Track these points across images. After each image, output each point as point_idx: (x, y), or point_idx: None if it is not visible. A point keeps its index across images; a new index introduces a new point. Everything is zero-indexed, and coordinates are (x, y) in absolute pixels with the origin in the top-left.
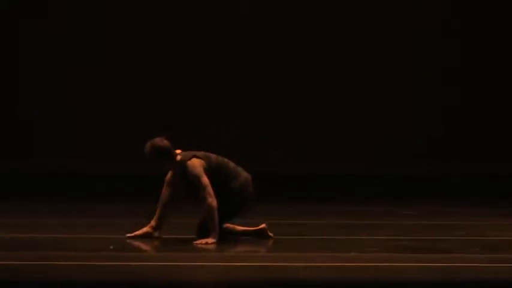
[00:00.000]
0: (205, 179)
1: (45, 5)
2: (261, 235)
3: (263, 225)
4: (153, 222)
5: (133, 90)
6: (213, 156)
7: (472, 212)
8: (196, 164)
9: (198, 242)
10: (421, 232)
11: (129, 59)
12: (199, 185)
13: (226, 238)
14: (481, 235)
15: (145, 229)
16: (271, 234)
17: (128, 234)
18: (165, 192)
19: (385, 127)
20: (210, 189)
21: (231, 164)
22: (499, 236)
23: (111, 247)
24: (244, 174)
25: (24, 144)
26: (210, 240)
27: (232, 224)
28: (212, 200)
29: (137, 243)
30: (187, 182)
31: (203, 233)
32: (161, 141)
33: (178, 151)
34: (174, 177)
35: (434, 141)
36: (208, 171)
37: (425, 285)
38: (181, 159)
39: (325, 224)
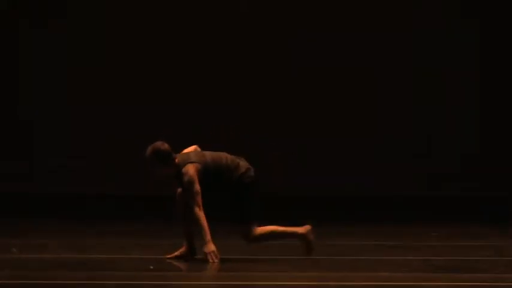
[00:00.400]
0: (197, 187)
1: (45, 5)
2: (303, 238)
3: (308, 227)
4: (186, 243)
5: (134, 90)
6: (207, 155)
7: (493, 232)
8: (190, 171)
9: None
10: (449, 252)
11: (129, 59)
12: (191, 192)
13: (260, 253)
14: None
15: (182, 249)
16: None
17: (168, 256)
18: (179, 209)
19: (385, 127)
20: (199, 198)
21: (229, 158)
22: None
23: (151, 267)
24: (242, 163)
25: (24, 144)
26: (206, 250)
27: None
28: (198, 211)
29: (175, 263)
30: (183, 188)
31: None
32: (162, 145)
33: (189, 149)
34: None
35: None
36: (207, 172)
37: None
38: (178, 163)
39: (354, 245)
